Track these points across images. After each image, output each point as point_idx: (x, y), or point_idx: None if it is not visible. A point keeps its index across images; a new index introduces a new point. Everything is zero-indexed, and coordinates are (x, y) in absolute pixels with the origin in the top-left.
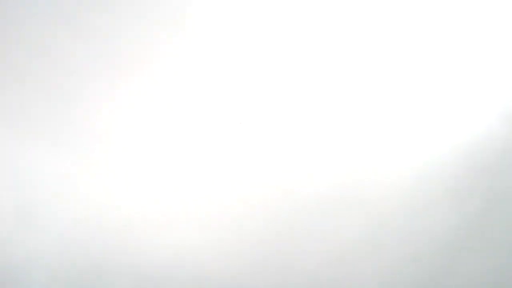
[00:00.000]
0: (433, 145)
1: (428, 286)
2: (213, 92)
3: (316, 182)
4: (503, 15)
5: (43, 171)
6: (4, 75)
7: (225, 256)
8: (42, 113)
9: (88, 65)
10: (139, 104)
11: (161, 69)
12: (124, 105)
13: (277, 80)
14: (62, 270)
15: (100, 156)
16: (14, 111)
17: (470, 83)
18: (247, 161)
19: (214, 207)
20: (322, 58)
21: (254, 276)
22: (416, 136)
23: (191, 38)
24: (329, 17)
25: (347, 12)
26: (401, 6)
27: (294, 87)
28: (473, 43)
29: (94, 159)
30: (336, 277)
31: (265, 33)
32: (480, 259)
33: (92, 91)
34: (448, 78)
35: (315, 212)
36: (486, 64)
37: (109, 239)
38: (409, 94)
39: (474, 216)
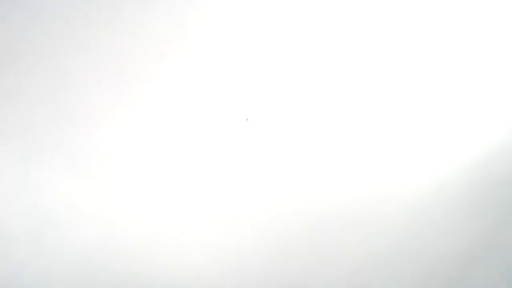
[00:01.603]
0: (446, 160)
1: None
2: (219, 89)
3: (328, 197)
4: None
5: (54, 193)
6: (12, 98)
7: (236, 274)
8: (54, 134)
9: (93, 81)
10: (146, 109)
11: (167, 72)
12: (134, 118)
13: (286, 78)
14: None
15: (111, 177)
16: (25, 134)
17: (482, 98)
18: (254, 165)
19: (224, 224)
20: (336, 62)
21: None
22: (429, 151)
23: (197, 37)
24: (340, 18)
25: (358, 14)
26: (417, 20)
27: (306, 86)
28: (486, 59)
29: (106, 180)
30: None
31: (273, 31)
32: (494, 272)
33: (101, 110)
34: (460, 93)
35: (329, 227)
36: (499, 79)
37: (120, 260)
38: (422, 109)
39: (487, 228)
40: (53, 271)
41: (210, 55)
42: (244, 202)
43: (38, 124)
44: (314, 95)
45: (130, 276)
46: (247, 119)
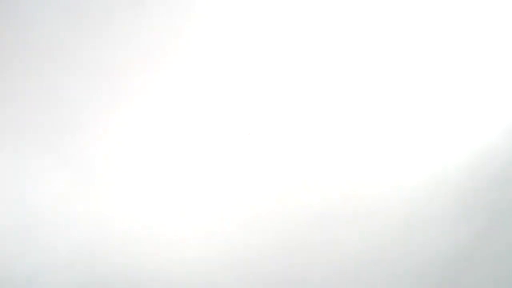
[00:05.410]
0: (439, 160)
1: None
2: (220, 102)
3: (323, 195)
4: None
5: (45, 190)
6: (5, 98)
7: (231, 271)
8: (46, 128)
9: (87, 83)
10: (144, 118)
11: (166, 83)
12: (130, 121)
13: (286, 90)
14: None
15: (104, 173)
16: (17, 126)
17: (476, 99)
18: (255, 173)
19: (220, 222)
20: (334, 72)
21: None
22: (422, 151)
23: (199, 49)
24: (349, 31)
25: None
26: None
27: (301, 98)
28: (476, 60)
29: (98, 176)
30: None
31: (276, 44)
32: (488, 272)
33: (96, 106)
34: (454, 94)
35: (320, 225)
36: (492, 81)
37: (114, 257)
38: (413, 109)
39: (481, 228)
40: (43, 267)
41: (213, 68)
42: (239, 200)
43: (29, 121)
44: (309, 96)
45: (124, 273)
46: (249, 133)
